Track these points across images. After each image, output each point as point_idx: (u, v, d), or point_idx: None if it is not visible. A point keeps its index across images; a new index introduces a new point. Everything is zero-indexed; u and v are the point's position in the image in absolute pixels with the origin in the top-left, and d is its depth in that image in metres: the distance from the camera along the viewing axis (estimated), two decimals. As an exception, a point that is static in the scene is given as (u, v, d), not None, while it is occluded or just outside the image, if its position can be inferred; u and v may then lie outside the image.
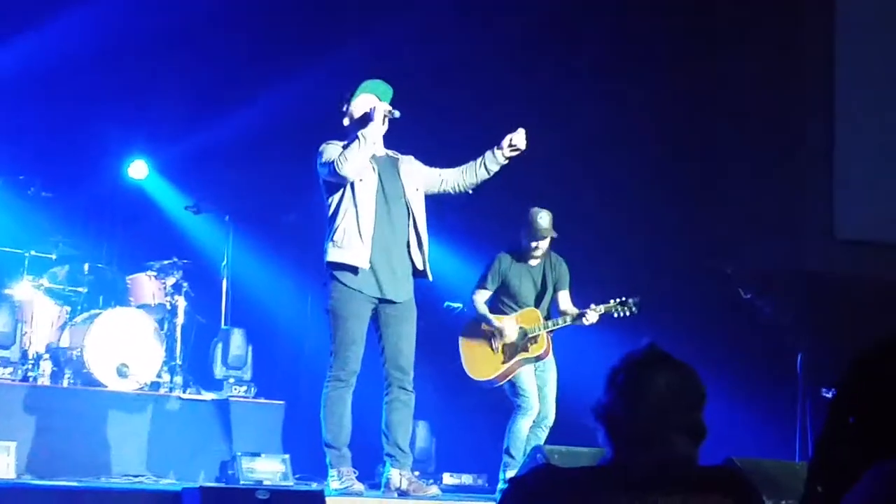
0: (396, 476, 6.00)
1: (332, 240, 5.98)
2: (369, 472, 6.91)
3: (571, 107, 9.13)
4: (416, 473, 6.34)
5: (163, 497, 4.99)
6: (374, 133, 6.00)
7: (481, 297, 7.02)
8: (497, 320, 6.91)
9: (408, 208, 6.13)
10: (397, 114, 6.07)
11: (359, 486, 5.96)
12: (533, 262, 7.00)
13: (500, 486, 6.85)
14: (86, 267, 8.17)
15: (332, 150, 6.01)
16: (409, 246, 6.11)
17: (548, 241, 6.92)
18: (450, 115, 8.90)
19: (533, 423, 6.84)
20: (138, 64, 9.35)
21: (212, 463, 7.39)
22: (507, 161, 6.16)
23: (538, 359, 6.89)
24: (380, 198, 6.03)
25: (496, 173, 6.21)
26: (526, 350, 6.85)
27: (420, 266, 6.14)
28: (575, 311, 6.86)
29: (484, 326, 6.96)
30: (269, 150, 9.41)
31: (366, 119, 6.04)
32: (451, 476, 8.27)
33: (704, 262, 8.61)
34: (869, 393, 1.87)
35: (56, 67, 8.85)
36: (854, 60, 9.53)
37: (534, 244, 6.90)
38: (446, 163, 6.35)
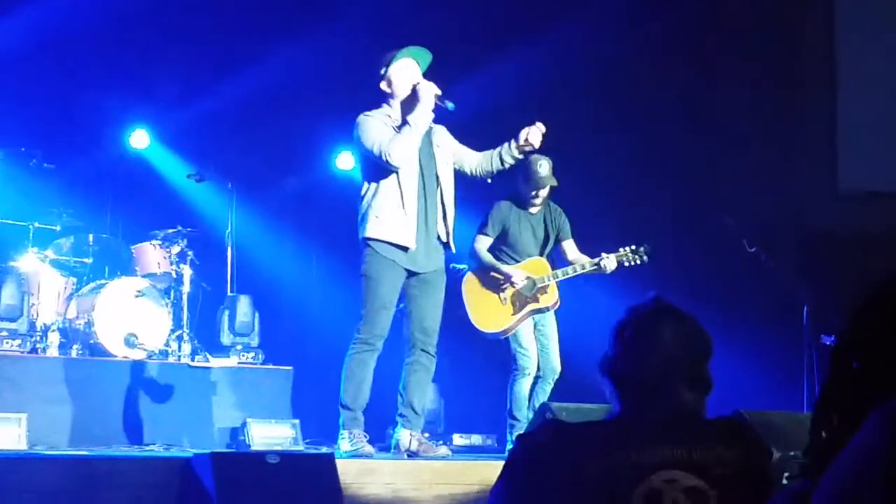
0: (406, 437, 6.02)
1: (375, 216, 5.93)
2: (380, 434, 6.92)
3: (571, 57, 9.07)
4: (426, 435, 6.36)
5: (174, 464, 4.99)
6: (424, 121, 5.92)
7: (483, 245, 6.84)
8: (506, 269, 6.77)
9: (437, 180, 6.10)
10: (451, 106, 5.92)
11: (369, 449, 5.96)
12: (533, 211, 6.89)
13: (509, 446, 6.83)
14: (90, 238, 8.18)
15: (375, 128, 5.89)
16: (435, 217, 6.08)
17: (548, 189, 6.83)
18: (458, 76, 8.85)
19: (539, 379, 6.79)
20: (138, 33, 9.31)
21: (222, 429, 7.43)
22: (521, 156, 6.13)
23: (547, 310, 6.78)
24: (419, 174, 6.00)
25: (512, 166, 6.19)
26: (536, 301, 6.73)
27: (444, 238, 6.10)
28: (589, 259, 6.76)
29: (493, 275, 6.79)
30: (270, 116, 9.38)
31: (413, 97, 5.91)
32: (460, 437, 8.31)
33: (707, 215, 8.60)
34: (871, 336, 1.86)
35: (56, 38, 8.81)
36: (855, 9, 9.49)
37: (534, 192, 6.80)
38: (459, 123, 6.30)
